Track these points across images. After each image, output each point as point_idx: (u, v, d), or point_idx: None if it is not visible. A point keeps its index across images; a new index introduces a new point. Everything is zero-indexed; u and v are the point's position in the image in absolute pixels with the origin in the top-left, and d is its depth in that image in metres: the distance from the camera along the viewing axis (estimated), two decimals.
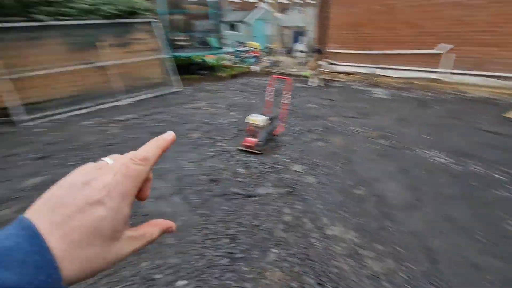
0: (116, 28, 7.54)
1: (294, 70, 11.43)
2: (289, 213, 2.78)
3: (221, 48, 11.10)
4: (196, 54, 10.87)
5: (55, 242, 0.25)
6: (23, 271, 0.22)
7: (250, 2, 27.81)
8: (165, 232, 0.35)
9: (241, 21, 23.92)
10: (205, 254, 2.32)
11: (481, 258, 2.20)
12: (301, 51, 15.28)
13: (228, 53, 12.93)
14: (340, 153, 4.10)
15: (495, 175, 3.35)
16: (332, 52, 10.83)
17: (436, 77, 8.36)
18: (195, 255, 2.30)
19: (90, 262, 0.27)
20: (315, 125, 5.31)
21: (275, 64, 13.42)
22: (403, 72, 9.06)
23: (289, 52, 17.73)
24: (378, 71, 9.66)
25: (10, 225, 0.25)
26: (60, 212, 0.26)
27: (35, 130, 5.56)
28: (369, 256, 2.25)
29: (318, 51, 9.31)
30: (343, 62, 10.66)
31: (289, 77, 4.73)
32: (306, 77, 9.51)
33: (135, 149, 0.33)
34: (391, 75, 9.30)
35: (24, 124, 5.87)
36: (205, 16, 11.01)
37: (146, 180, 0.32)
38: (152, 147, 0.32)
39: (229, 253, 2.31)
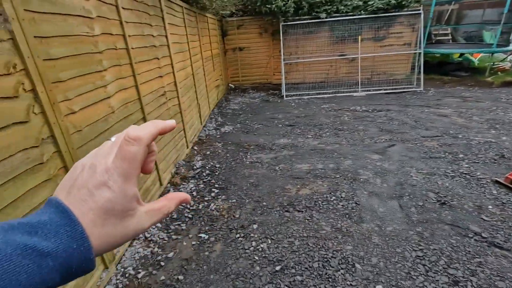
0: (380, 21, 7.68)
1: None
2: None
3: (506, 45, 8.31)
4: (457, 51, 8.93)
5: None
6: (57, 241, 0.25)
7: None
8: (181, 203, 0.36)
9: None
10: (412, 275, 2.04)
11: None
12: None
13: (510, 52, 9.52)
14: None
15: None
16: None
17: None
18: (400, 270, 2.10)
19: (109, 237, 0.29)
20: None
21: None
22: None
23: None
24: None
25: (43, 206, 0.28)
26: (75, 194, 0.28)
27: (292, 104, 7.20)
28: None
29: None
30: None
31: None
32: None
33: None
34: None
35: (285, 98, 7.75)
36: (498, 4, 8.50)
37: (149, 154, 0.33)
38: (148, 126, 0.31)
39: None
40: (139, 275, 2.19)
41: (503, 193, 2.90)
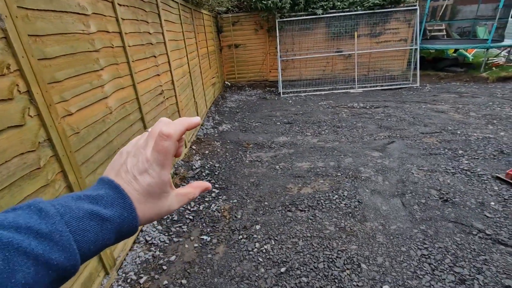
0: (376, 17, 7.66)
1: None
2: None
3: (500, 40, 8.38)
4: (452, 47, 8.97)
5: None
6: (113, 209, 0.32)
7: None
8: (204, 191, 0.43)
9: None
10: (419, 274, 2.03)
11: None
12: None
13: (504, 48, 9.62)
14: None
15: None
16: None
17: None
18: (406, 269, 2.09)
19: (148, 213, 0.35)
20: None
21: None
22: None
23: None
24: None
25: (96, 182, 0.35)
26: (123, 176, 0.35)
27: (289, 101, 7.15)
28: None
29: None
30: None
31: None
32: None
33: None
34: None
35: (282, 96, 7.70)
36: None
37: (179, 141, 0.37)
38: (177, 125, 0.36)
39: None
40: (141, 280, 2.13)
41: (504, 189, 2.91)
